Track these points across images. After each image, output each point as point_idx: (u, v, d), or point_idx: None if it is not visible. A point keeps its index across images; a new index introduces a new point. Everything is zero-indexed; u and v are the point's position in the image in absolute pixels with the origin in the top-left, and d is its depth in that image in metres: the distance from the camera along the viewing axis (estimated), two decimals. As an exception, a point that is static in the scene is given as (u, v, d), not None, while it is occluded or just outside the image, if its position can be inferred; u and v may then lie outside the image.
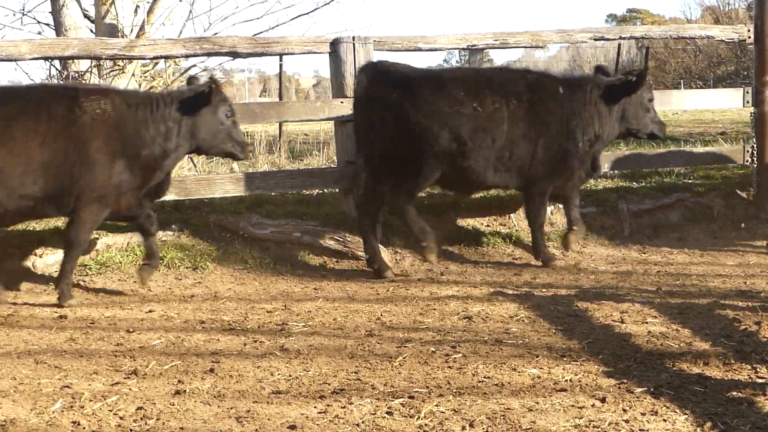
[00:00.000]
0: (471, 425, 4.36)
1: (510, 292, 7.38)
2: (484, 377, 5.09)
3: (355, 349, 5.70)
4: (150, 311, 6.90)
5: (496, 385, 4.95)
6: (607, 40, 10.56)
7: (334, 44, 8.94)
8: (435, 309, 6.76)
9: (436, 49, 9.64)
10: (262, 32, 13.36)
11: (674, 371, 5.13)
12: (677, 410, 4.50)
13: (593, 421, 4.38)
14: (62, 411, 4.63)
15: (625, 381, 4.95)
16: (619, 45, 18.87)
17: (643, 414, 4.46)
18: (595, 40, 10.09)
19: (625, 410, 4.51)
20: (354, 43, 8.87)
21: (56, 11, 12.99)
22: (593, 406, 4.59)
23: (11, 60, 8.40)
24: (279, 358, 5.54)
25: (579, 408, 4.55)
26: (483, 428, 4.33)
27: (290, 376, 5.17)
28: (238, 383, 5.06)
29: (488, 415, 4.46)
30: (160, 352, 5.71)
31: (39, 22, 14.54)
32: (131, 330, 6.28)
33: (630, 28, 16.42)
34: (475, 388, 4.91)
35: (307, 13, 16.30)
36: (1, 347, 5.92)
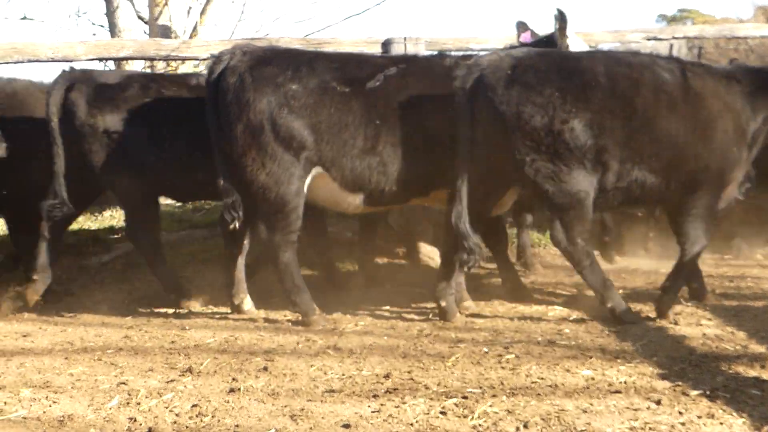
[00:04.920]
0: (525, 426, 4.33)
1: (562, 292, 7.34)
2: (538, 378, 5.07)
3: (408, 349, 5.71)
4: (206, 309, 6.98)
5: (550, 386, 4.93)
6: (660, 40, 10.45)
7: (386, 44, 8.93)
8: (486, 309, 6.74)
9: (486, 50, 9.60)
10: (313, 33, 13.42)
11: (730, 374, 5.06)
12: (734, 413, 4.44)
13: (648, 423, 4.33)
14: (119, 407, 4.69)
15: (680, 383, 4.90)
16: (671, 45, 18.65)
17: (699, 417, 4.41)
18: (648, 40, 10.01)
19: (680, 413, 4.46)
20: (405, 44, 8.87)
21: (110, 13, 13.17)
22: (648, 408, 4.54)
23: (67, 61, 8.50)
24: (332, 357, 5.56)
25: (634, 410, 4.51)
26: (537, 429, 4.30)
27: (343, 375, 5.18)
28: (291, 382, 5.08)
29: (542, 416, 4.44)
30: (214, 350, 5.76)
31: (93, 24, 14.75)
32: (185, 328, 6.34)
33: (683, 27, 16.23)
34: (529, 388, 4.89)
35: (358, 14, 16.32)
36: (58, 343, 6.01)
